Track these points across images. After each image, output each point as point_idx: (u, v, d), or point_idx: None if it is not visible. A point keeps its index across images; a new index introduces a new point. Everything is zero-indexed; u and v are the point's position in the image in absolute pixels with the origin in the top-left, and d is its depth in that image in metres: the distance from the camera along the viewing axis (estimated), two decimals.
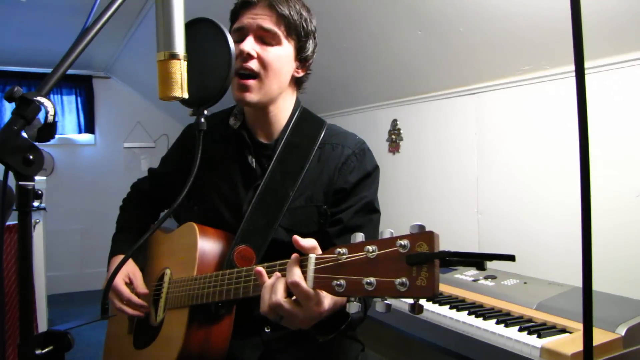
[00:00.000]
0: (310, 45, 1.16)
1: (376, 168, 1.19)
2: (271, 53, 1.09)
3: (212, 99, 0.93)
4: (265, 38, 1.09)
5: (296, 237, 0.84)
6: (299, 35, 1.13)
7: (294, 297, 0.82)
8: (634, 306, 1.50)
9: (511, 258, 0.64)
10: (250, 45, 1.07)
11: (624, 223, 1.70)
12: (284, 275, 0.84)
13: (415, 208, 2.75)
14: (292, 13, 1.10)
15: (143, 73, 4.62)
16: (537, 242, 2.02)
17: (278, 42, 1.10)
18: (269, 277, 0.87)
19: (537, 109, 2.06)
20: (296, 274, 0.80)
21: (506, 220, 2.19)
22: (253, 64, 1.08)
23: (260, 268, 0.89)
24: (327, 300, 0.82)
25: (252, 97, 1.09)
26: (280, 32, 1.09)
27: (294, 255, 0.84)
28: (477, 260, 0.64)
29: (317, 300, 0.80)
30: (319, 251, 0.83)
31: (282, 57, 1.11)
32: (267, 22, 1.08)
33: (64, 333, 0.68)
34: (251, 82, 1.08)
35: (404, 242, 0.68)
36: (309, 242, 0.83)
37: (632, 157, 1.71)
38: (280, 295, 0.82)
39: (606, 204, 1.70)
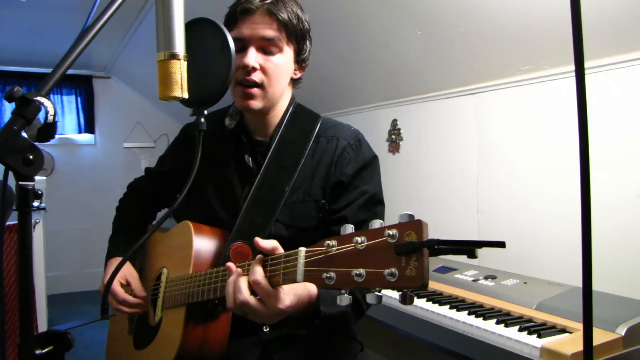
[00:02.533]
0: (307, 46, 1.17)
1: (374, 158, 1.18)
2: (274, 63, 1.09)
3: (212, 99, 0.93)
4: (267, 47, 1.08)
5: (257, 239, 0.89)
6: (298, 38, 1.13)
7: (258, 296, 0.86)
8: (634, 306, 1.50)
9: (501, 244, 0.62)
10: (253, 58, 1.07)
11: (624, 223, 1.70)
12: (245, 272, 0.89)
13: (415, 208, 2.74)
14: (290, 17, 1.09)
15: (143, 73, 4.62)
16: (537, 242, 2.01)
17: (280, 50, 1.10)
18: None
19: (537, 109, 2.06)
20: (258, 273, 0.85)
21: (506, 220, 2.19)
22: (256, 76, 1.08)
23: (230, 263, 0.93)
24: (289, 297, 0.87)
25: (256, 104, 1.10)
26: (281, 40, 1.09)
27: (259, 256, 0.88)
28: (466, 248, 0.63)
29: (277, 298, 0.85)
30: (281, 250, 0.88)
31: (283, 64, 1.11)
32: (269, 31, 1.07)
33: (64, 333, 0.68)
34: (255, 91, 1.09)
35: (393, 231, 0.67)
36: (270, 243, 0.88)
37: (632, 157, 1.71)
38: (246, 293, 0.86)
39: (606, 204, 1.70)
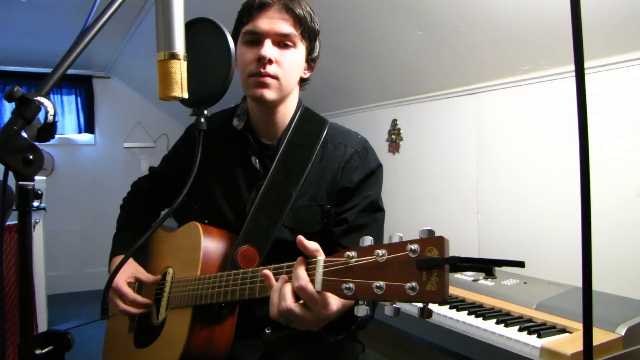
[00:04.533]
0: (317, 46, 1.18)
1: (379, 166, 1.19)
2: (289, 57, 1.10)
3: (212, 99, 0.93)
4: (283, 41, 1.09)
5: (301, 237, 0.84)
6: (311, 37, 1.14)
7: (302, 301, 0.82)
8: (634, 306, 1.50)
9: (521, 264, 0.64)
10: (269, 50, 1.07)
11: (624, 223, 1.70)
12: (290, 278, 0.84)
13: (415, 208, 2.75)
14: (305, 15, 1.10)
15: (143, 73, 4.62)
16: (537, 242, 2.02)
17: (294, 45, 1.10)
18: (276, 281, 0.87)
19: (537, 109, 2.06)
20: (302, 278, 0.81)
21: (506, 220, 2.19)
22: (272, 69, 1.08)
23: (267, 271, 0.89)
24: (335, 302, 0.83)
25: (270, 94, 1.10)
26: (296, 36, 1.09)
27: (300, 258, 0.84)
28: (486, 266, 0.64)
29: (324, 303, 0.81)
30: (322, 253, 0.83)
31: (297, 60, 1.12)
32: (286, 26, 1.08)
33: (64, 333, 0.68)
34: (270, 80, 1.09)
35: (414, 246, 0.68)
36: (313, 245, 0.84)
37: (632, 157, 1.71)
38: (290, 301, 0.82)
39: (606, 204, 1.70)
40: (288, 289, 0.83)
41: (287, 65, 1.09)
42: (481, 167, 2.33)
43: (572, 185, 1.83)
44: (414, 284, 0.67)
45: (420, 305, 0.68)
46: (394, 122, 2.92)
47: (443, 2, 2.05)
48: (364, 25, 2.47)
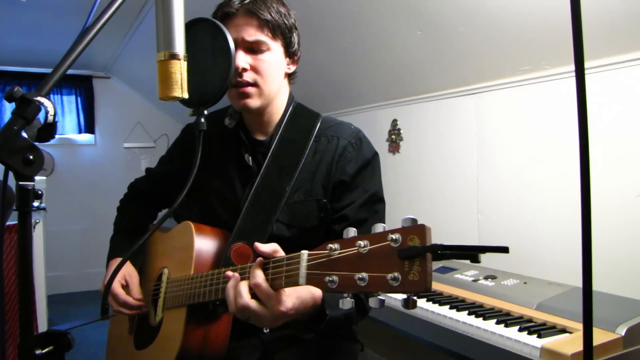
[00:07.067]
0: (295, 38, 1.16)
1: (375, 155, 1.18)
2: (263, 61, 1.09)
3: (212, 99, 0.93)
4: (254, 47, 1.08)
5: (257, 244, 0.90)
6: (284, 33, 1.12)
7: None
8: (634, 306, 1.50)
9: (504, 250, 0.63)
10: (242, 59, 1.07)
11: (624, 223, 1.70)
12: (244, 278, 0.90)
13: (416, 208, 2.75)
14: (272, 15, 1.08)
15: (143, 73, 4.62)
16: (537, 242, 2.02)
17: (267, 48, 1.09)
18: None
19: (537, 109, 2.06)
20: (258, 276, 0.85)
21: (506, 220, 2.19)
22: (248, 76, 1.08)
23: (229, 272, 0.93)
24: (291, 299, 0.87)
25: (253, 102, 1.11)
26: (266, 38, 1.08)
27: (259, 259, 0.88)
28: (470, 253, 0.63)
29: (278, 300, 0.85)
30: (281, 253, 0.88)
31: (273, 60, 1.11)
32: (252, 33, 1.07)
33: (64, 333, 0.68)
34: (250, 89, 1.09)
35: (396, 236, 0.67)
36: (270, 247, 0.89)
37: (632, 157, 1.71)
38: (246, 297, 0.86)
39: (606, 204, 1.70)
40: (244, 286, 0.87)
41: (264, 70, 1.09)
42: (481, 167, 2.33)
43: (572, 185, 1.83)
44: (396, 274, 0.65)
45: (404, 295, 0.67)
46: (394, 122, 2.92)
47: (443, 2, 2.05)
48: (364, 25, 2.47)
